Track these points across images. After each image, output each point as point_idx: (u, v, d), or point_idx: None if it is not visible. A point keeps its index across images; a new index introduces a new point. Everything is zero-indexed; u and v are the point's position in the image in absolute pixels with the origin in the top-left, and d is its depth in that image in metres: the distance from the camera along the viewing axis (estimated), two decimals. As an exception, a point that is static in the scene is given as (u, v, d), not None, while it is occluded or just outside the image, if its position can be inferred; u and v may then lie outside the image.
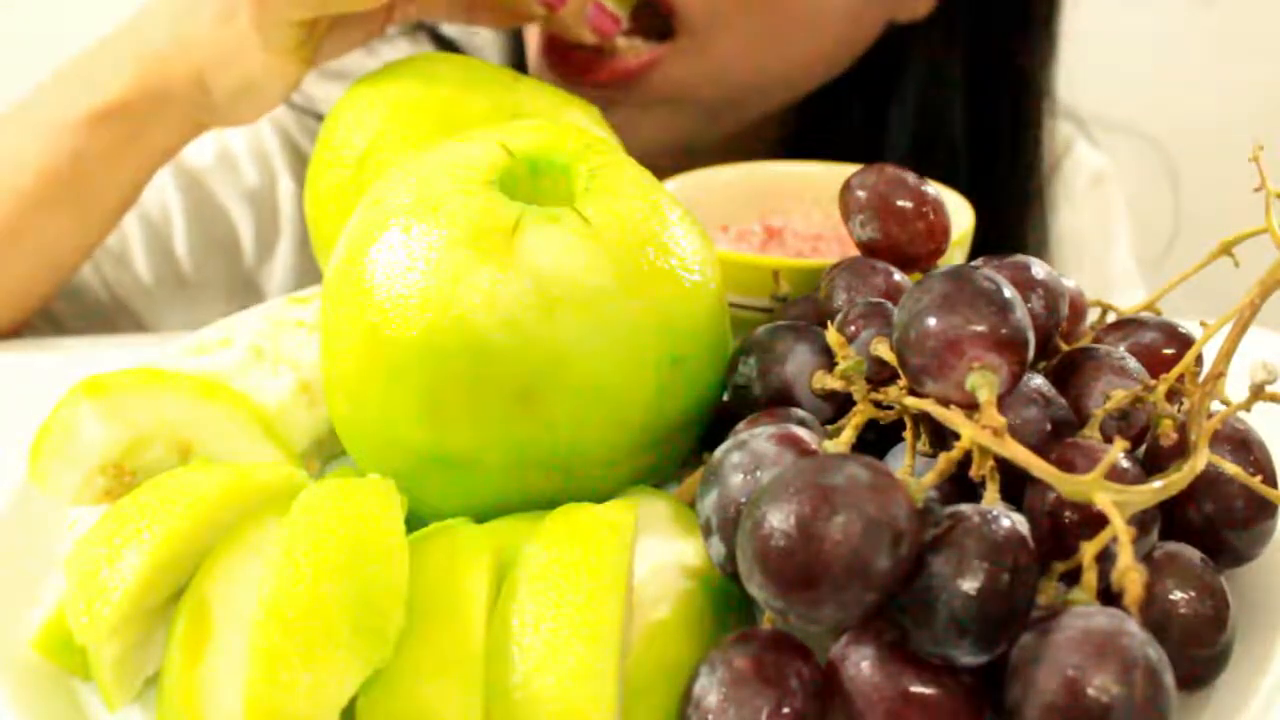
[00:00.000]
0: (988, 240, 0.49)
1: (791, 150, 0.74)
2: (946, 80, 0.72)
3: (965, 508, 0.28)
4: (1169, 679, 0.26)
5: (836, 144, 0.71)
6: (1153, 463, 0.34)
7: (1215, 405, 0.33)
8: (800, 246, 0.53)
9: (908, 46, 0.71)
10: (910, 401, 0.31)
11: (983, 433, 0.29)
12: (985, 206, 0.51)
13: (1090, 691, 0.25)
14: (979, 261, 0.39)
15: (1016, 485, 0.31)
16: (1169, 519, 0.32)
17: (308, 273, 0.78)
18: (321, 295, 0.39)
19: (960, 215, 0.48)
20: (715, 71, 0.64)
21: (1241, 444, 0.34)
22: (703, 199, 0.53)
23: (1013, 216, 0.76)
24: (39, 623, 0.35)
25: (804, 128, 0.74)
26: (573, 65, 0.62)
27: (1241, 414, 0.34)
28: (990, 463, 0.30)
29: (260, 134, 0.78)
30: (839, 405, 0.36)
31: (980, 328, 0.30)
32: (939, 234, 0.41)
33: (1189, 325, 0.38)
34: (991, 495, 0.30)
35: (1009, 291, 0.31)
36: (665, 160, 0.65)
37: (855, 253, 0.42)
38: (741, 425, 0.35)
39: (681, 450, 0.39)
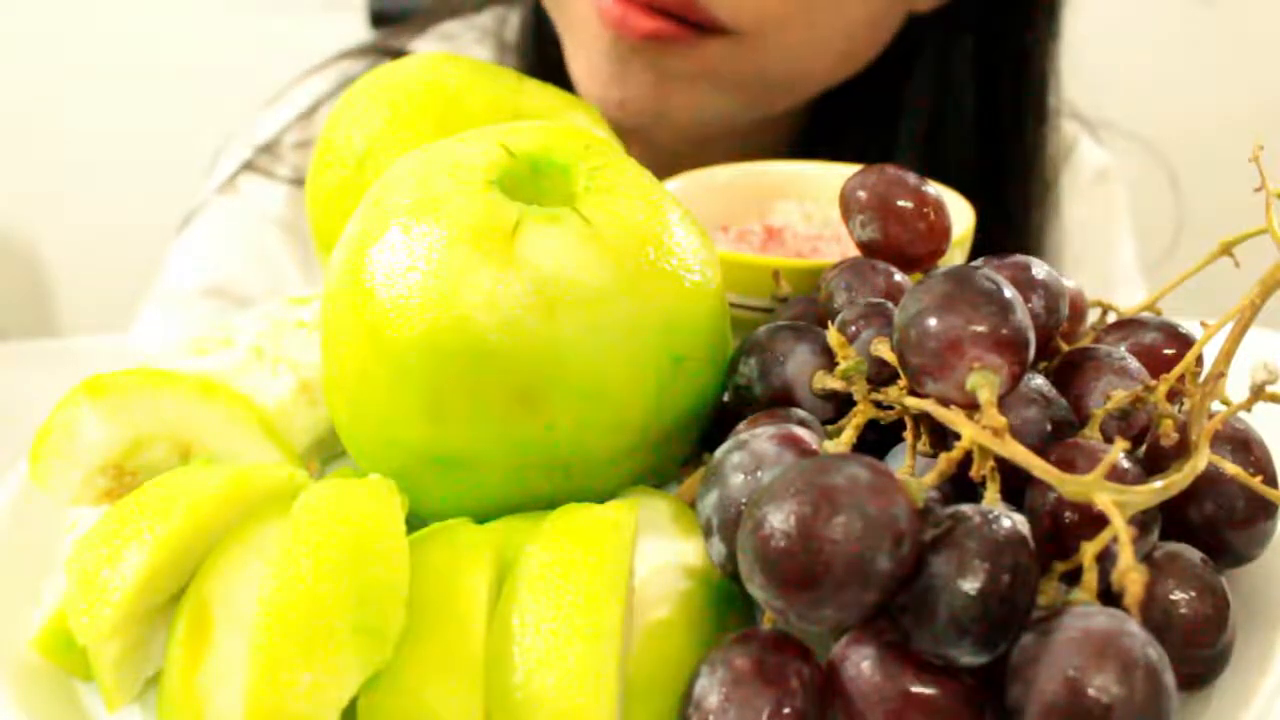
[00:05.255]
0: (989, 240, 0.49)
1: (799, 147, 0.75)
2: (956, 71, 0.73)
3: (965, 508, 0.28)
4: (1169, 679, 0.26)
5: (846, 140, 0.72)
6: (1153, 463, 0.34)
7: (1216, 405, 0.33)
8: (800, 246, 0.53)
9: (917, 38, 0.71)
10: (910, 401, 0.31)
11: (983, 433, 0.29)
12: (989, 206, 0.52)
13: (1091, 692, 0.25)
14: (979, 261, 0.39)
15: (1016, 485, 0.31)
16: (1169, 519, 0.32)
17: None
18: (321, 295, 0.39)
19: (960, 215, 0.48)
20: (757, 67, 0.65)
21: (1242, 444, 0.34)
22: (703, 199, 0.53)
23: (1017, 214, 0.77)
24: (39, 623, 0.35)
25: (813, 124, 0.75)
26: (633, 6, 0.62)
27: (1242, 414, 0.34)
28: (990, 463, 0.30)
29: (262, 240, 0.78)
30: (839, 405, 0.36)
31: (980, 328, 0.30)
32: (939, 234, 0.41)
33: (1189, 325, 0.38)
34: (991, 495, 0.30)
35: (1009, 291, 0.31)
36: (686, 146, 0.65)
37: (855, 253, 0.42)
38: (742, 425, 0.35)
39: (681, 450, 0.39)
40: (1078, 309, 0.41)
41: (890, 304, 0.36)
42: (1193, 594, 0.31)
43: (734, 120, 0.70)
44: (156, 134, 1.55)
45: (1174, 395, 0.34)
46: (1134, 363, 0.35)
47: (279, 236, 0.78)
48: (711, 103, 0.67)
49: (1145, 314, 0.40)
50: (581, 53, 0.66)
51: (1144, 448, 0.35)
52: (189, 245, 0.81)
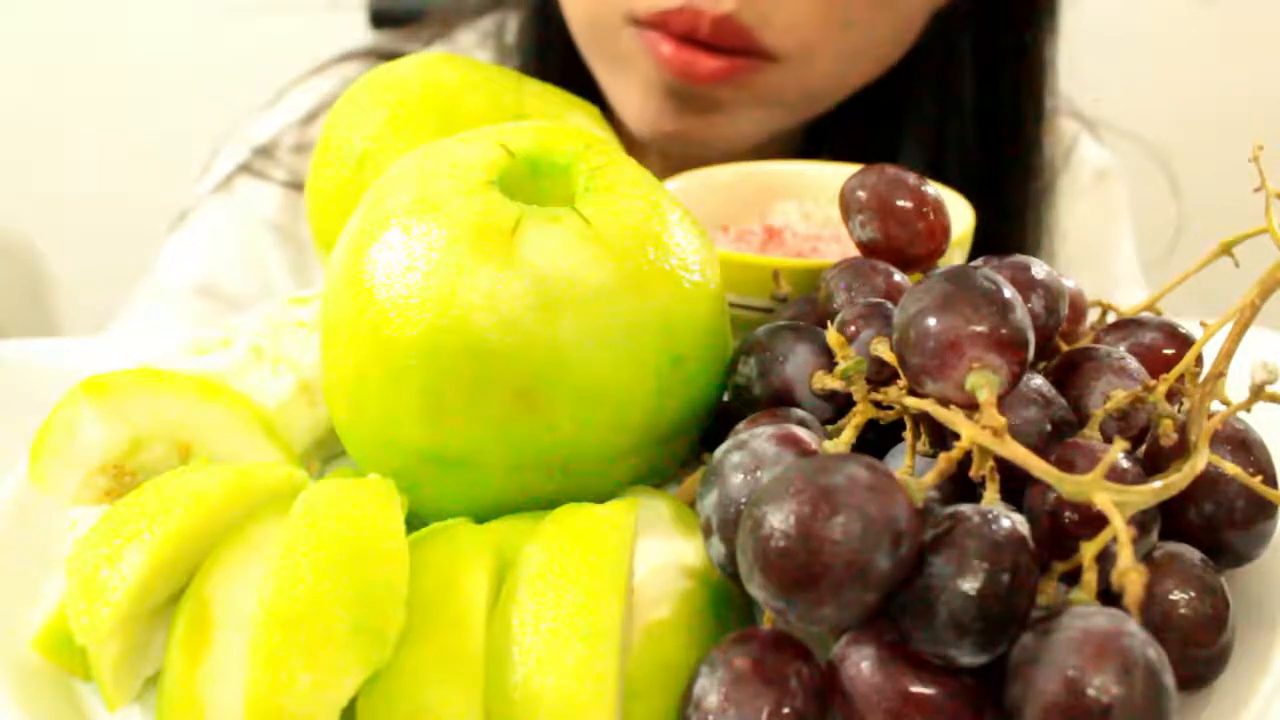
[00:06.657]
0: (989, 240, 0.49)
1: (801, 147, 0.75)
2: (957, 68, 0.74)
3: (965, 508, 0.28)
4: (1169, 679, 0.26)
5: (848, 139, 0.72)
6: (1153, 463, 0.34)
7: (1215, 405, 0.33)
8: (800, 246, 0.53)
9: (920, 35, 0.71)
10: (910, 401, 0.31)
11: (983, 433, 0.29)
12: (990, 204, 0.52)
13: (1090, 692, 0.25)
14: (979, 261, 0.39)
15: (1016, 485, 0.31)
16: (1169, 519, 0.32)
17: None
18: (321, 295, 0.39)
19: (960, 215, 0.48)
20: (802, 86, 0.66)
21: (1241, 444, 0.34)
22: (703, 199, 0.53)
23: (1017, 214, 0.77)
24: (39, 623, 0.35)
25: (815, 123, 0.75)
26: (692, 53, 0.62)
27: (1241, 414, 0.34)
28: (990, 463, 0.30)
29: (254, 242, 0.79)
30: (839, 405, 0.36)
31: (980, 328, 0.30)
32: (939, 234, 0.41)
33: (1189, 325, 0.38)
34: (991, 495, 0.30)
35: (1009, 291, 0.31)
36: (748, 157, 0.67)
37: (855, 253, 0.42)
38: (741, 425, 0.35)
39: (681, 450, 0.39)
40: (1077, 309, 0.41)
41: (890, 304, 0.36)
42: (1192, 594, 0.31)
43: (769, 135, 0.70)
44: (156, 134, 1.55)
45: (1173, 395, 0.34)
46: (1134, 363, 0.35)
47: (271, 239, 0.78)
48: (755, 127, 0.68)
49: (1145, 314, 0.40)
50: (631, 88, 0.66)
51: (1144, 448, 0.35)
52: (182, 243, 0.81)
